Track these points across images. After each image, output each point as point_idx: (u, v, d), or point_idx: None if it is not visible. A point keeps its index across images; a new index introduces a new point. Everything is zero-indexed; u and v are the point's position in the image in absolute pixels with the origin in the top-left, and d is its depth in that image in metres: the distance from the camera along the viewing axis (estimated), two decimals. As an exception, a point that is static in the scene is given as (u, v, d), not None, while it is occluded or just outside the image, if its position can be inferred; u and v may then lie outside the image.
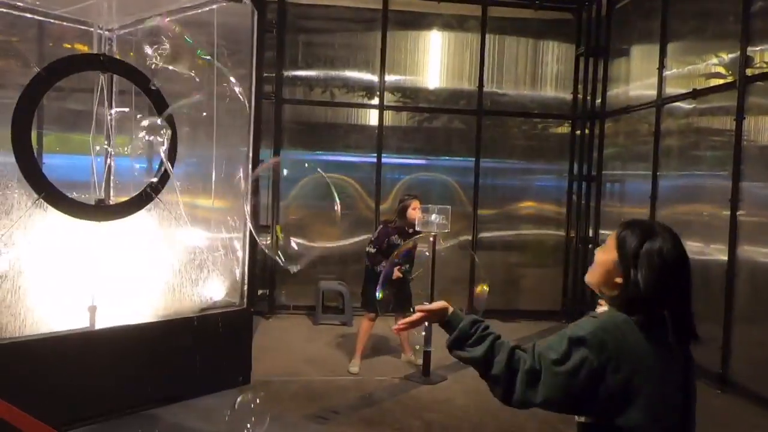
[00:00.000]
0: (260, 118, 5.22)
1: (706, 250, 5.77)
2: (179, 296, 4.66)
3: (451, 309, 1.75)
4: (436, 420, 4.65)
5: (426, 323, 1.81)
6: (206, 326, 4.65)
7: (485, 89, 8.17)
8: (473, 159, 8.18)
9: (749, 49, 5.42)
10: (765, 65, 5.35)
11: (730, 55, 5.78)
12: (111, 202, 4.84)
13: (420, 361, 5.59)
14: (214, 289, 4.83)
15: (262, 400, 4.68)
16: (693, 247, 5.76)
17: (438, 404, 4.95)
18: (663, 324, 1.60)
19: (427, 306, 1.77)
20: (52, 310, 4.12)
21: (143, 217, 4.60)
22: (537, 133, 8.65)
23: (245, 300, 4.95)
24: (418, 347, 5.61)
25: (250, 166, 5.02)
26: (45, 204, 4.01)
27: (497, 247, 8.41)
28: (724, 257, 5.52)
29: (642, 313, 1.59)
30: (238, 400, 4.28)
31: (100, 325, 4.25)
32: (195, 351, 4.56)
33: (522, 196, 8.48)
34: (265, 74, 6.74)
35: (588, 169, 8.27)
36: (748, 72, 5.40)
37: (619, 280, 1.64)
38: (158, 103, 4.49)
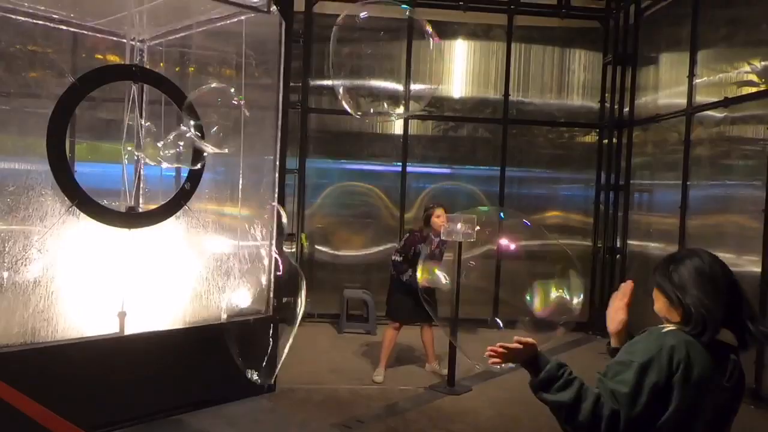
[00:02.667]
0: (287, 127, 5.27)
1: (738, 262, 5.64)
2: (206, 303, 4.71)
3: (538, 351, 1.77)
4: (461, 431, 4.61)
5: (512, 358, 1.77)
6: (232, 334, 4.68)
7: (511, 98, 8.14)
8: (498, 168, 8.14)
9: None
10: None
11: (763, 63, 5.67)
12: (141, 210, 4.92)
13: (445, 371, 5.55)
14: (241, 297, 4.87)
15: (288, 407, 4.70)
16: (725, 259, 5.63)
17: (462, 415, 4.90)
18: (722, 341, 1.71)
19: (524, 339, 1.76)
20: (83, 315, 4.20)
21: (172, 224, 4.66)
22: (563, 141, 8.57)
23: (271, 307, 4.98)
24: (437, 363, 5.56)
25: (277, 175, 5.06)
26: (78, 211, 4.09)
27: (523, 256, 8.32)
28: (758, 269, 5.39)
29: (701, 327, 1.68)
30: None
31: (129, 330, 4.31)
32: (222, 358, 4.59)
33: (548, 206, 8.41)
34: (291, 83, 6.83)
35: (616, 178, 8.16)
36: (782, 80, 5.29)
37: (678, 314, 1.75)
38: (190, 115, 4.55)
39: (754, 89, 5.77)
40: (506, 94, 8.11)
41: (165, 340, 4.41)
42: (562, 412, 1.64)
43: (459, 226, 5.01)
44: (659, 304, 1.82)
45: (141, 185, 5.18)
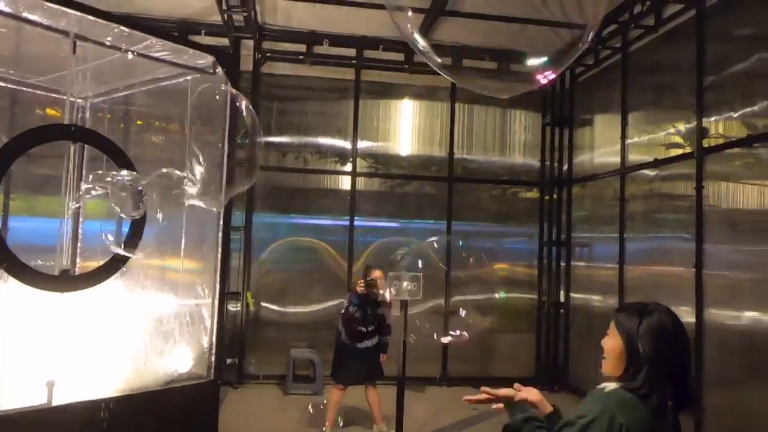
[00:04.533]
0: (232, 182, 5.23)
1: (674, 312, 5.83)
2: (143, 368, 4.50)
3: (522, 398, 1.99)
4: (409, 495, 4.49)
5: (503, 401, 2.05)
6: (171, 400, 4.48)
7: (456, 156, 8.38)
8: (445, 222, 8.27)
9: (704, 120, 5.69)
10: (720, 136, 5.61)
11: (687, 126, 6.05)
12: (77, 270, 4.74)
13: (392, 432, 5.44)
14: (180, 360, 4.68)
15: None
16: (661, 311, 5.82)
17: (411, 478, 4.79)
18: (665, 399, 1.73)
19: (523, 390, 2.02)
20: (5, 385, 3.94)
21: (109, 283, 4.49)
22: (507, 198, 8.82)
23: (212, 371, 4.81)
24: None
25: (221, 233, 4.99)
26: (5, 274, 3.90)
27: (469, 311, 8.37)
28: (692, 319, 5.59)
29: (648, 387, 1.71)
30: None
31: (58, 401, 4.06)
32: (159, 427, 4.37)
33: (494, 259, 8.54)
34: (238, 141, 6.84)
35: (557, 232, 8.41)
36: (705, 143, 5.64)
37: (623, 363, 1.79)
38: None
39: (680, 151, 6.13)
40: (451, 152, 8.34)
41: (96, 410, 4.17)
42: None
43: (405, 284, 5.01)
44: (613, 344, 1.83)
45: (78, 243, 5.02)
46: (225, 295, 5.18)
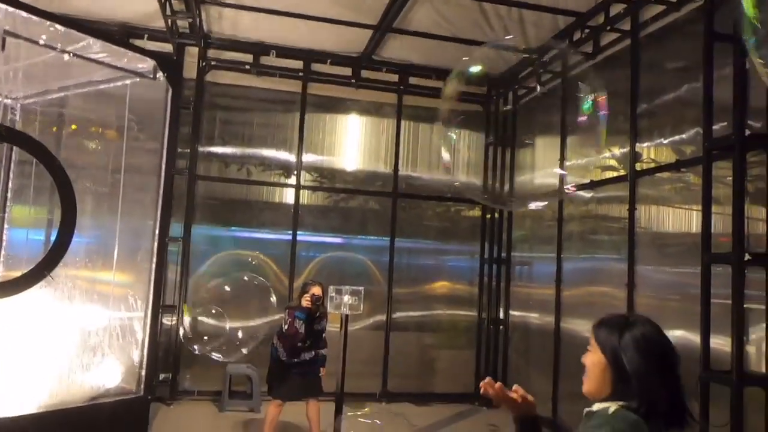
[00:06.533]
0: (170, 192, 5.10)
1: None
2: (68, 383, 4.28)
3: (529, 410, 1.79)
4: None
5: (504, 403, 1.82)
6: (97, 417, 4.27)
7: (400, 173, 8.43)
8: (388, 238, 8.29)
9: (637, 145, 5.94)
10: (651, 161, 5.86)
11: (621, 150, 6.30)
12: (-2, 279, 4.48)
13: (330, 450, 5.35)
14: (108, 375, 4.48)
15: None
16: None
17: (348, 496, 4.71)
18: (660, 418, 1.61)
19: (526, 395, 1.80)
20: None
21: (34, 294, 4.26)
22: (450, 215, 8.92)
23: (142, 387, 4.62)
24: None
25: (156, 242, 4.83)
26: None
27: (411, 327, 8.41)
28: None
29: (646, 405, 1.59)
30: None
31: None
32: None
33: (436, 276, 8.62)
34: (179, 149, 6.67)
35: (498, 251, 8.56)
36: (637, 167, 5.89)
37: (610, 381, 1.67)
38: (60, 178, 4.28)
39: (615, 173, 6.37)
40: (396, 168, 8.40)
41: (15, 428, 3.92)
42: None
43: (346, 298, 4.97)
44: (595, 360, 1.71)
45: (2, 251, 4.76)
46: (160, 308, 5.01)
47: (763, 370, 4.32)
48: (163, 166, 4.95)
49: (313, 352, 5.42)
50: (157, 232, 4.87)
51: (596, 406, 1.68)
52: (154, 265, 4.74)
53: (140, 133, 5.11)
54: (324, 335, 5.54)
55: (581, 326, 6.60)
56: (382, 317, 8.17)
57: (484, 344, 8.42)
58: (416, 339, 8.40)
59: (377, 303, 8.10)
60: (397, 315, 8.29)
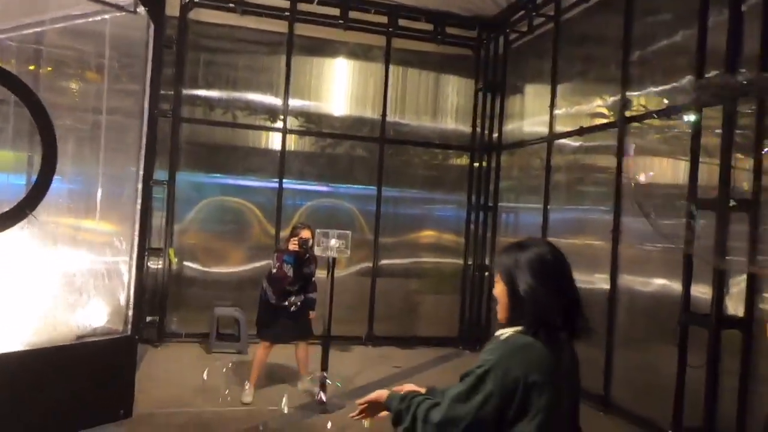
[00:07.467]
0: (154, 135, 4.98)
1: (591, 279, 6.11)
2: (53, 322, 4.27)
3: (386, 395, 1.86)
4: (331, 450, 4.53)
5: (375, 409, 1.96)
6: (83, 355, 4.29)
7: (388, 119, 8.32)
8: (375, 187, 8.25)
9: (627, 93, 5.88)
10: (641, 108, 5.82)
11: (612, 98, 6.24)
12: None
13: (317, 389, 5.46)
14: (95, 315, 4.48)
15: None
16: (580, 277, 6.07)
17: (333, 433, 4.83)
18: (556, 332, 1.67)
19: (369, 397, 1.93)
20: None
21: (14, 235, 4.20)
22: (437, 163, 8.87)
23: (129, 327, 4.63)
24: (310, 378, 5.48)
25: (140, 185, 4.75)
26: None
27: (397, 274, 8.48)
28: (607, 286, 5.87)
29: (535, 324, 1.64)
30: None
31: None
32: (69, 383, 4.18)
33: (423, 225, 8.63)
34: (162, 92, 6.49)
35: (485, 199, 8.57)
36: (627, 114, 5.85)
37: (509, 304, 1.72)
38: (39, 115, 4.16)
39: (604, 120, 6.33)
40: (384, 114, 8.28)
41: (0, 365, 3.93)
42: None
43: (333, 241, 4.98)
44: (499, 288, 1.78)
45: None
46: (145, 250, 4.98)
47: (742, 314, 4.42)
48: (146, 108, 4.81)
49: (302, 297, 5.46)
50: (141, 173, 4.78)
51: (497, 332, 1.73)
52: (139, 206, 4.68)
53: (121, 72, 4.95)
54: (314, 279, 5.57)
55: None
56: (369, 264, 8.22)
57: (468, 290, 8.53)
58: (402, 285, 8.49)
59: (364, 251, 8.13)
60: (384, 262, 8.34)
